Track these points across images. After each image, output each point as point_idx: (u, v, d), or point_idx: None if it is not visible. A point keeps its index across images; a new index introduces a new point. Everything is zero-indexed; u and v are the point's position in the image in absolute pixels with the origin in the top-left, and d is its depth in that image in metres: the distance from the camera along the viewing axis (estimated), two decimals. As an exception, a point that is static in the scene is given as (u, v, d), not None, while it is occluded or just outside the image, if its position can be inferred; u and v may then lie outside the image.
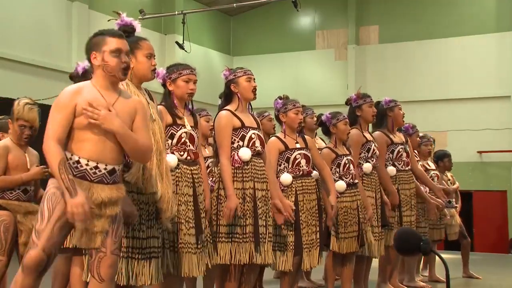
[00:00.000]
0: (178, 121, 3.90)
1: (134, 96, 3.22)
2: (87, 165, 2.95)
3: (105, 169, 2.98)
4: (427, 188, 6.09)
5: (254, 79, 4.36)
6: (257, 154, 4.28)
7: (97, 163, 2.96)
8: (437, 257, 5.89)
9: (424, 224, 6.19)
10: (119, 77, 3.05)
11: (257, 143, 4.27)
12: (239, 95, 4.30)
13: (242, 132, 4.23)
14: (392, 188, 5.55)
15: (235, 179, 4.16)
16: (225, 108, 4.31)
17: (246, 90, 4.30)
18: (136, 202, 3.32)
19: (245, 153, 4.19)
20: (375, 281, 5.84)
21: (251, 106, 4.48)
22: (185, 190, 3.81)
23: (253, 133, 4.27)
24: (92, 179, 2.96)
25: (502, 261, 10.15)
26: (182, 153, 3.86)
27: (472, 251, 8.29)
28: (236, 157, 4.19)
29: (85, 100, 2.94)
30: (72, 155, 2.95)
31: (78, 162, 2.95)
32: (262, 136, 4.36)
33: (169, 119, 3.86)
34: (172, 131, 3.87)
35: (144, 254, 3.34)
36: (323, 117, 5.22)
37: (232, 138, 4.22)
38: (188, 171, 3.86)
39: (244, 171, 4.19)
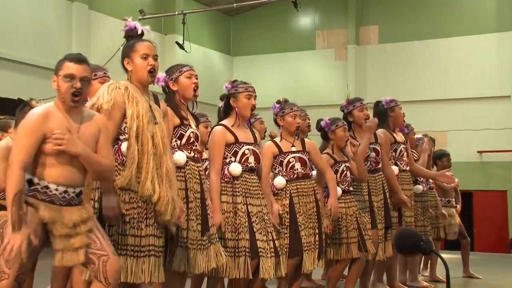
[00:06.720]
0: (185, 121, 3.90)
1: (96, 114, 3.21)
2: (56, 190, 2.96)
3: (73, 192, 3.01)
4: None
5: (255, 96, 4.34)
6: (250, 170, 4.26)
7: (67, 188, 2.98)
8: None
9: (425, 223, 6.15)
10: (67, 103, 3.01)
11: (251, 159, 4.25)
12: (237, 110, 4.29)
13: (235, 148, 4.23)
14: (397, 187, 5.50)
15: (225, 192, 4.17)
16: (220, 123, 4.31)
17: (244, 108, 4.29)
18: (133, 201, 3.33)
19: (235, 168, 4.19)
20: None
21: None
22: (194, 187, 3.83)
23: (247, 149, 4.25)
24: (61, 203, 2.97)
25: (502, 261, 10.13)
26: (189, 151, 3.87)
27: (472, 251, 8.28)
28: (226, 172, 4.19)
29: (53, 127, 2.93)
30: (40, 180, 2.96)
31: (47, 187, 2.95)
32: (258, 152, 4.33)
33: (176, 120, 3.86)
34: (181, 131, 3.86)
35: (143, 252, 3.34)
36: (322, 123, 5.17)
37: (224, 153, 4.22)
38: (195, 168, 3.88)
39: (234, 186, 4.18)
